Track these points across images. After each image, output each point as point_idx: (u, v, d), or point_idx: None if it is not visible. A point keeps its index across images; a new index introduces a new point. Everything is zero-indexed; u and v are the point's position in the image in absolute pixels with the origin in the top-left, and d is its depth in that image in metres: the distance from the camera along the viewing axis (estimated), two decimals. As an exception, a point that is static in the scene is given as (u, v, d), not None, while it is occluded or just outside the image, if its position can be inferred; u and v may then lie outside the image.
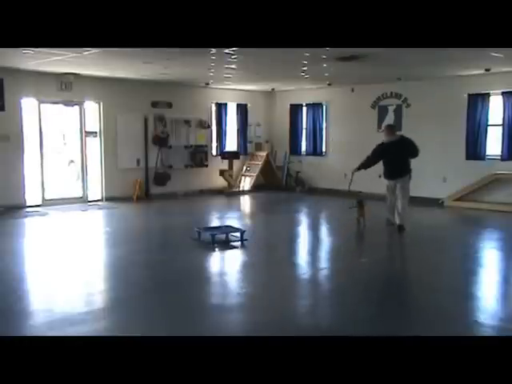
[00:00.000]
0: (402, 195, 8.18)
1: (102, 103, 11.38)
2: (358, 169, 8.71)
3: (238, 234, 7.29)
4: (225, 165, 13.20)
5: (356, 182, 12.56)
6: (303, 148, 14.01)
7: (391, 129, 8.68)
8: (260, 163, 13.73)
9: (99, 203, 11.25)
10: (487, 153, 10.61)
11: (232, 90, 13.44)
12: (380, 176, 12.14)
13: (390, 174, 8.46)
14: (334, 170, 13.14)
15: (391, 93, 11.97)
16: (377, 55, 8.01)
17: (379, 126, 12.22)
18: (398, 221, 8.17)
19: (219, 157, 13.32)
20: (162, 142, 12.20)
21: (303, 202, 12.20)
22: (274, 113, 14.56)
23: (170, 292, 5.15)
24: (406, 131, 11.71)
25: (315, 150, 13.62)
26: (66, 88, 10.65)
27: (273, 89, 13.98)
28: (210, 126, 13.34)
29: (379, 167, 12.21)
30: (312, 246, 8.04)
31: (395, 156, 8.23)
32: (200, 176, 13.06)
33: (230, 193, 12.94)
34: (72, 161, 12.65)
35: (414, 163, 11.51)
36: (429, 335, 3.69)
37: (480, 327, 4.27)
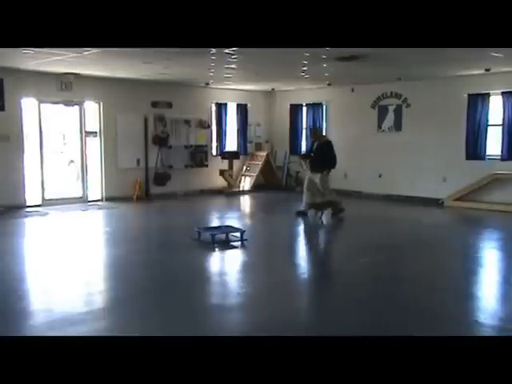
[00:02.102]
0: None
1: (101, 103, 11.38)
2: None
3: (237, 234, 7.29)
4: (225, 165, 13.20)
5: (356, 182, 12.62)
6: (303, 148, 14.00)
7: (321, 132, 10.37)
8: (260, 163, 13.73)
9: (99, 203, 11.25)
10: (487, 153, 10.61)
11: (232, 89, 13.43)
12: (380, 176, 12.22)
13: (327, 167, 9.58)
14: (333, 170, 13.11)
15: (391, 93, 11.97)
16: (377, 55, 8.00)
17: (379, 126, 12.24)
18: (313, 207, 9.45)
19: (219, 157, 13.31)
20: (161, 142, 12.20)
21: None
22: (274, 113, 14.56)
23: (170, 292, 5.15)
24: (406, 131, 11.78)
25: (315, 150, 13.60)
26: (66, 88, 10.65)
27: (273, 89, 13.97)
28: (210, 126, 13.34)
29: (378, 168, 12.27)
30: (312, 245, 8.04)
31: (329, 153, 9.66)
32: (200, 176, 13.06)
33: (230, 193, 12.94)
34: (72, 161, 12.65)
35: (413, 162, 11.58)
36: (429, 335, 3.69)
37: (480, 327, 4.27)
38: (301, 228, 9.45)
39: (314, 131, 10.31)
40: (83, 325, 4.23)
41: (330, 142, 9.66)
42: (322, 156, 9.42)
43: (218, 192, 12.89)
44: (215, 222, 9.29)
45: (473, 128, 10.65)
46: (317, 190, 9.42)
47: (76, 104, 11.13)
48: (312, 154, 9.65)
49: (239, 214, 10.89)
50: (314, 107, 13.55)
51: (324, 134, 10.39)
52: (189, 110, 12.77)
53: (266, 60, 8.69)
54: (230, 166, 13.23)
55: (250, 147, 14.28)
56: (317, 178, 9.40)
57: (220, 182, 13.16)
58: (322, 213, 9.31)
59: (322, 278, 5.92)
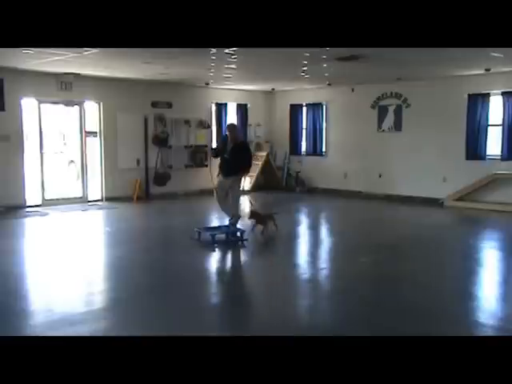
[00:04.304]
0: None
1: (101, 103, 11.38)
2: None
3: (238, 234, 7.29)
4: (225, 165, 13.18)
5: (356, 182, 12.62)
6: (303, 148, 14.01)
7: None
8: (260, 163, 13.72)
9: (99, 203, 11.25)
10: (487, 153, 10.61)
11: (232, 89, 13.44)
12: (380, 176, 12.22)
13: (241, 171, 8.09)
14: (334, 170, 13.15)
15: (391, 93, 11.97)
16: (377, 55, 8.00)
17: (379, 126, 12.24)
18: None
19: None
20: (161, 142, 12.20)
21: (303, 202, 12.20)
22: (274, 113, 14.56)
23: (170, 292, 5.15)
24: (406, 131, 11.78)
25: (315, 150, 13.62)
26: (66, 88, 10.65)
27: (273, 89, 13.98)
28: (209, 126, 13.34)
29: (378, 168, 12.27)
30: (312, 245, 8.04)
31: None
32: (200, 176, 13.03)
33: (230, 193, 12.92)
34: (72, 161, 12.66)
35: (413, 163, 11.58)
36: (429, 335, 3.69)
37: (480, 327, 4.27)
38: (300, 228, 9.46)
39: (234, 127, 8.35)
40: (83, 325, 4.23)
41: (246, 142, 8.31)
42: (238, 158, 7.80)
43: (218, 192, 12.87)
44: (215, 222, 9.28)
45: (473, 128, 10.65)
46: (226, 195, 7.93)
47: (76, 104, 11.13)
48: (226, 156, 7.89)
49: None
50: (314, 107, 13.55)
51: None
52: (189, 109, 12.76)
53: (265, 60, 8.69)
54: (230, 166, 13.21)
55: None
56: (228, 183, 7.85)
57: (220, 182, 13.14)
58: (265, 226, 7.87)
59: (322, 278, 5.92)
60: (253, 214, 8.10)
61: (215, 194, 8.14)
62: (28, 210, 10.15)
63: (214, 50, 7.58)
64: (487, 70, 9.71)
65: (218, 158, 8.16)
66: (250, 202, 8.43)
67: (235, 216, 7.86)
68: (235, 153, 7.84)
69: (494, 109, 10.49)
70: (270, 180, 14.07)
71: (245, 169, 8.07)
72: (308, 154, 13.81)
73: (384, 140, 12.15)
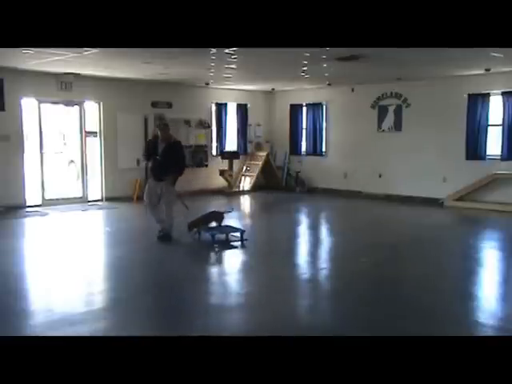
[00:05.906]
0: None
1: (101, 103, 11.38)
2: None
3: (237, 234, 7.29)
4: (225, 165, 13.20)
5: (356, 182, 12.62)
6: (303, 148, 14.01)
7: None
8: (260, 163, 13.73)
9: (99, 203, 11.25)
10: (487, 153, 10.62)
11: (232, 89, 13.44)
12: (380, 176, 12.21)
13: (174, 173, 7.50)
14: (333, 170, 13.15)
15: (391, 93, 11.97)
16: (377, 55, 8.01)
17: (379, 126, 12.24)
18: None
19: (219, 157, 13.32)
20: (161, 142, 12.19)
21: (303, 202, 12.20)
22: (274, 113, 14.56)
23: (170, 292, 5.15)
24: (406, 131, 11.78)
25: (315, 150, 13.62)
26: (66, 88, 10.65)
27: (273, 89, 13.98)
28: (210, 126, 13.34)
29: (378, 168, 12.27)
30: (312, 245, 8.04)
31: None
32: (200, 176, 13.04)
33: (230, 193, 12.94)
34: (72, 161, 12.65)
35: (413, 162, 11.57)
36: (429, 335, 3.69)
37: (480, 327, 4.27)
38: (300, 228, 9.46)
39: (165, 125, 7.59)
40: (83, 325, 4.23)
41: (179, 142, 7.72)
42: (171, 160, 7.27)
43: (218, 192, 12.89)
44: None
45: (473, 128, 10.65)
46: (158, 201, 7.42)
47: (76, 104, 11.13)
48: (158, 157, 7.33)
49: (239, 214, 10.87)
50: (314, 107, 13.55)
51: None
52: (189, 109, 12.76)
53: (265, 60, 8.69)
54: (230, 166, 13.23)
55: (250, 147, 14.28)
56: (160, 187, 7.36)
57: (220, 182, 13.15)
58: (199, 232, 7.42)
59: (322, 278, 5.92)
60: (194, 224, 7.40)
61: (145, 201, 7.55)
62: (28, 210, 10.15)
63: (214, 50, 7.58)
64: (487, 69, 9.71)
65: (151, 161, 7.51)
66: (185, 206, 7.73)
67: (170, 225, 7.37)
68: (167, 153, 7.27)
69: (494, 109, 10.49)
70: (270, 180, 14.08)
71: (178, 171, 7.43)
72: (308, 153, 13.80)
73: (384, 140, 12.15)
